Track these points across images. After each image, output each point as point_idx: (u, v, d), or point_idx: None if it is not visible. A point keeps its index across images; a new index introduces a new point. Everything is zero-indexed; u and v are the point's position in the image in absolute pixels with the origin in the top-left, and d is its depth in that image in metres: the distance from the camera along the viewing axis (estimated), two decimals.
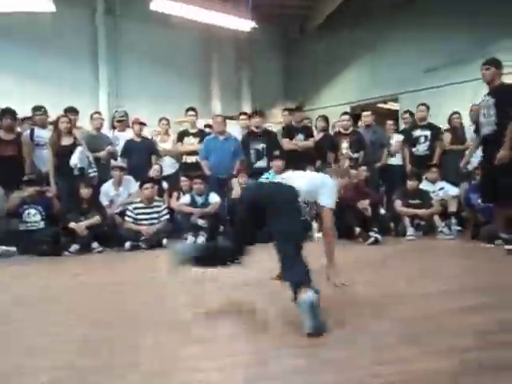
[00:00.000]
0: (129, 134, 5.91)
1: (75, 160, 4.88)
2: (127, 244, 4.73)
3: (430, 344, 1.68)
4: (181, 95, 9.26)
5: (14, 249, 4.51)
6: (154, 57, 9.54)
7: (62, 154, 4.89)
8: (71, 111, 5.43)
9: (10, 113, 4.99)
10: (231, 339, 1.83)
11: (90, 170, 5.11)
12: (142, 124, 5.93)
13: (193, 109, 6.02)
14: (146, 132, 6.07)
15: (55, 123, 5.06)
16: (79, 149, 4.94)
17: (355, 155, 5.70)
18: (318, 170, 5.79)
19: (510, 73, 6.75)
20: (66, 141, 4.96)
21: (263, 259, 2.62)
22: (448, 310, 2.12)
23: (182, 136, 5.92)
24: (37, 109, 5.27)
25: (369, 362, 1.53)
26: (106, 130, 6.20)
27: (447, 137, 5.91)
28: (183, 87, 9.80)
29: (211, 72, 10.47)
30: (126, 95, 9.21)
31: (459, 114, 6.12)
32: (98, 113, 6.04)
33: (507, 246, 3.75)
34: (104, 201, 5.17)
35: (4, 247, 4.46)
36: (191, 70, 10.19)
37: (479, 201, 4.47)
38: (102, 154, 5.47)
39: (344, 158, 5.70)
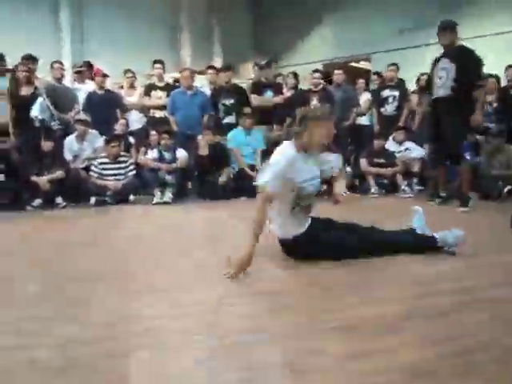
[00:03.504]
0: (90, 86, 5.67)
1: (36, 111, 4.69)
2: (93, 199, 4.68)
3: (370, 292, 1.81)
4: (149, 44, 8.91)
5: None
6: (121, 1, 9.05)
7: (22, 105, 4.68)
8: (30, 59, 5.14)
9: None
10: (193, 289, 1.90)
11: (52, 123, 4.92)
12: (105, 76, 5.69)
13: (160, 61, 5.80)
14: (109, 84, 5.84)
15: (13, 72, 4.80)
16: (40, 99, 4.74)
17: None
18: (288, 125, 5.78)
19: (480, 36, 6.88)
20: (25, 91, 4.74)
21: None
22: (391, 261, 2.26)
23: (149, 89, 5.73)
24: None
25: (319, 310, 1.63)
26: (67, 82, 5.94)
27: (415, 98, 5.98)
28: (151, 35, 9.40)
29: (180, 21, 10.05)
30: (91, 43, 8.77)
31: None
32: (59, 62, 5.70)
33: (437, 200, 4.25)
34: (68, 156, 5.03)
35: None
36: (160, 18, 9.74)
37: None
38: (67, 116, 5.22)
39: None
